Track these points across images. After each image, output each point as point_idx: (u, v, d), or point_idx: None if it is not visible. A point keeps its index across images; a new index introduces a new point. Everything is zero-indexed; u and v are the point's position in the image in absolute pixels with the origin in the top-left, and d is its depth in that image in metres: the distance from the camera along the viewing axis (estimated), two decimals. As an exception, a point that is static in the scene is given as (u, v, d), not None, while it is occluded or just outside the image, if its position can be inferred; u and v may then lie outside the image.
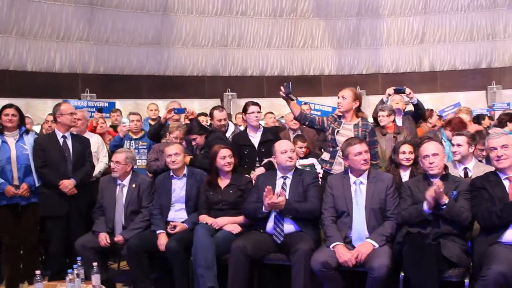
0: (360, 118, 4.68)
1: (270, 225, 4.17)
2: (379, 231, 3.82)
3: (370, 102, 16.78)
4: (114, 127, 7.78)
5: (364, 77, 17.98)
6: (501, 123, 7.17)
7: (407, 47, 18.19)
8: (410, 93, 6.10)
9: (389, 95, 6.22)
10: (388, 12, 17.94)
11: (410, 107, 6.57)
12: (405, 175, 4.62)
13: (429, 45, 18.18)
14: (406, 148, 4.65)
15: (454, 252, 3.56)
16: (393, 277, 3.63)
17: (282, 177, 4.30)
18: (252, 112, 5.19)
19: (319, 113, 9.30)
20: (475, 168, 4.48)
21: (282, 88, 4.54)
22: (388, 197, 3.94)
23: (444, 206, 3.62)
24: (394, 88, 6.25)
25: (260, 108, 5.27)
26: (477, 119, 8.31)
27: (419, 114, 6.43)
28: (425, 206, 3.65)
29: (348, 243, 3.86)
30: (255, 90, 15.96)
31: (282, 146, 4.29)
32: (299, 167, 5.19)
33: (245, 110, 5.26)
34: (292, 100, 4.62)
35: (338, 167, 4.50)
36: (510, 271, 3.20)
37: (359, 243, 3.80)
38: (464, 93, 17.23)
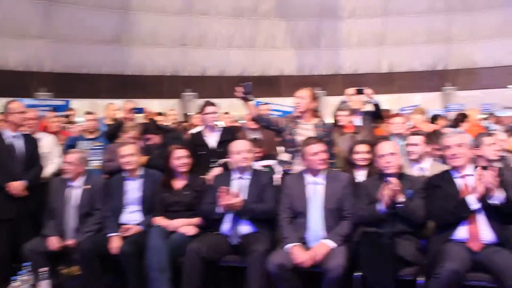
0: (318, 118, 4.69)
1: (226, 226, 4.10)
2: (335, 231, 3.81)
3: (330, 103, 16.98)
4: (69, 127, 7.58)
5: (324, 78, 18.09)
6: (456, 123, 7.34)
7: (367, 49, 18.42)
8: (370, 93, 6.15)
9: (350, 95, 6.26)
10: (348, 13, 18.13)
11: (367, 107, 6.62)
12: (361, 175, 4.63)
13: (388, 47, 18.46)
14: (362, 148, 4.66)
15: (409, 250, 3.58)
16: (349, 276, 3.61)
17: (239, 177, 4.23)
18: (209, 113, 5.11)
19: (279, 113, 9.30)
20: (432, 168, 4.52)
21: (239, 88, 4.47)
22: (345, 196, 3.93)
23: (400, 205, 3.63)
24: (356, 88, 6.28)
25: (217, 108, 5.19)
26: (433, 119, 8.45)
27: (378, 114, 6.50)
28: (380, 205, 3.66)
29: (305, 243, 3.82)
30: (215, 90, 15.84)
31: (237, 147, 4.23)
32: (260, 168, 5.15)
33: (202, 110, 5.18)
34: (250, 100, 4.57)
35: (299, 168, 4.47)
36: (462, 268, 3.24)
37: (316, 243, 3.77)
38: (420, 94, 17.58)
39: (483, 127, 8.97)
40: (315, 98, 4.68)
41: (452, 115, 12.78)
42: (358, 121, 6.28)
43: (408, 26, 18.15)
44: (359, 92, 6.22)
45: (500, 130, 8.46)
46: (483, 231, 3.46)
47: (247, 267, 3.81)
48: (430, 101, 15.81)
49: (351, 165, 4.67)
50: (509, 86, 17.56)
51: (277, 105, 9.96)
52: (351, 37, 18.32)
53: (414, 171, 4.53)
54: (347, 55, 18.42)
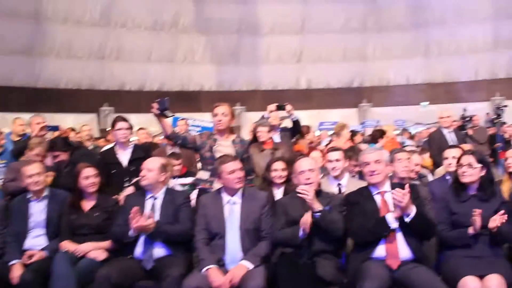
0: (235, 135, 4.58)
1: (139, 250, 3.85)
2: (253, 252, 3.68)
3: (250, 119, 17.01)
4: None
5: (244, 94, 18.15)
6: (374, 138, 7.48)
7: (286, 65, 18.68)
8: (290, 109, 6.15)
9: (271, 111, 6.23)
10: (267, 30, 18.33)
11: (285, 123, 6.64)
12: (279, 193, 4.55)
13: (306, 64, 18.82)
14: (278, 165, 4.60)
15: (329, 270, 3.52)
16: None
17: (152, 197, 4.01)
18: (120, 129, 4.85)
19: (198, 128, 9.19)
20: (349, 184, 4.52)
21: (154, 104, 4.25)
22: (262, 216, 3.81)
23: (318, 214, 3.59)
24: (277, 104, 6.31)
25: (128, 124, 4.93)
26: (352, 135, 8.57)
27: (297, 130, 6.53)
28: (301, 232, 3.61)
29: (222, 266, 3.66)
30: (133, 105, 15.43)
31: (149, 165, 4.02)
32: (179, 186, 4.95)
33: (113, 126, 4.91)
34: (167, 117, 4.36)
35: (220, 185, 4.33)
36: (381, 286, 3.21)
37: (234, 265, 3.62)
38: (338, 111, 18.00)
39: (398, 143, 9.26)
40: (233, 114, 4.57)
41: (368, 131, 13.18)
42: (276, 137, 6.26)
43: (325, 43, 18.60)
44: (280, 108, 6.26)
45: (413, 146, 8.79)
46: (401, 249, 3.45)
47: (161, 293, 3.59)
48: (347, 117, 16.16)
49: (269, 182, 4.59)
50: (422, 103, 18.40)
51: (197, 121, 9.79)
52: (270, 54, 18.53)
53: (333, 187, 4.51)
54: (267, 71, 18.60)
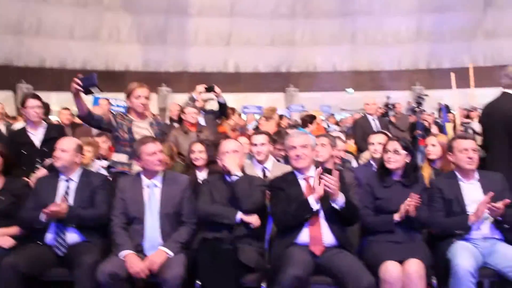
0: (151, 116, 4.41)
1: (50, 236, 3.58)
2: (173, 238, 3.52)
3: (176, 100, 16.69)
4: None
5: (170, 75, 17.83)
6: (304, 123, 7.50)
7: (214, 48, 18.47)
8: (219, 92, 6.13)
9: (200, 93, 6.12)
10: (196, 11, 18.01)
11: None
12: (202, 175, 4.43)
13: (235, 47, 18.69)
14: (197, 147, 4.51)
15: (251, 256, 3.41)
16: (189, 286, 3.36)
17: (66, 180, 3.75)
18: (31, 107, 4.51)
19: (121, 109, 8.88)
20: (274, 168, 4.45)
21: (77, 80, 3.89)
22: (184, 200, 3.66)
23: (235, 176, 3.57)
24: (205, 85, 6.19)
25: (39, 102, 4.58)
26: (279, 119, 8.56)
27: (222, 113, 6.42)
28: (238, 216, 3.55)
29: (141, 252, 3.48)
30: (54, 83, 14.72)
31: (64, 145, 3.76)
32: (103, 169, 4.72)
33: (23, 103, 4.55)
34: (92, 93, 4.05)
35: (138, 168, 4.12)
36: (305, 273, 3.15)
37: (153, 251, 3.45)
38: (265, 95, 18.07)
39: (324, 128, 9.36)
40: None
41: (294, 115, 13.28)
42: (201, 119, 6.14)
43: (253, 27, 18.54)
44: (209, 89, 6.11)
45: (338, 131, 8.90)
46: (324, 234, 3.41)
47: (75, 281, 3.35)
48: (274, 102, 16.24)
49: (192, 165, 4.47)
50: (347, 90, 18.79)
51: (119, 101, 9.45)
52: (198, 35, 18.24)
53: (258, 171, 4.42)
54: (195, 53, 18.31)
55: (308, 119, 7.71)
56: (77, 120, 8.42)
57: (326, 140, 4.48)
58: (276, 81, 18.82)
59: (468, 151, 3.64)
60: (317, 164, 3.80)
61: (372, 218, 3.61)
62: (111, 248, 3.54)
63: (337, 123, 13.53)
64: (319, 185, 3.31)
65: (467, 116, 11.09)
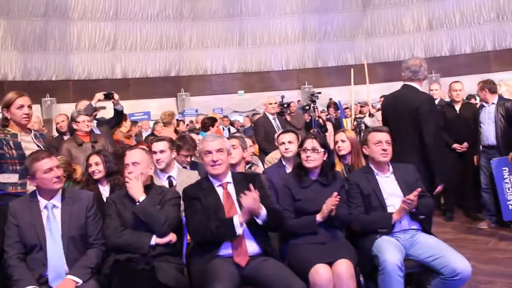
0: (32, 129, 3.98)
1: None
2: (81, 263, 3.12)
3: (61, 111, 15.74)
4: None
5: (54, 84, 16.84)
6: (205, 127, 7.25)
7: (99, 53, 17.74)
8: (117, 99, 5.97)
9: (99, 100, 5.88)
10: (78, 15, 17.17)
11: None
12: (105, 190, 4.06)
13: (121, 52, 18.08)
14: (92, 159, 4.15)
15: (170, 274, 3.10)
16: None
17: None
18: None
19: None
20: (179, 175, 4.20)
21: None
22: (89, 220, 3.26)
23: (138, 203, 3.28)
24: (104, 93, 5.98)
25: None
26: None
27: (118, 121, 6.09)
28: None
29: (44, 283, 3.05)
30: None
31: None
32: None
33: None
34: None
35: (33, 187, 3.65)
36: (232, 287, 2.93)
37: (59, 282, 3.04)
38: (156, 100, 17.67)
39: (221, 130, 9.19)
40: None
41: (187, 120, 13.03)
42: (95, 129, 5.76)
43: (139, 31, 18.05)
44: (108, 97, 5.81)
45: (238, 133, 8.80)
46: (248, 244, 3.21)
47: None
48: (165, 107, 15.87)
49: (92, 180, 4.08)
50: (238, 92, 18.87)
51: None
52: (81, 41, 17.36)
53: (164, 181, 4.13)
54: (78, 59, 17.44)
55: (209, 122, 7.45)
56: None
57: (237, 142, 4.29)
58: (166, 86, 18.45)
59: (382, 143, 3.64)
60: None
61: (294, 220, 3.47)
62: (7, 284, 3.07)
63: (232, 125, 13.49)
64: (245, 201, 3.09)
65: (360, 112, 11.52)
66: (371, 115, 9.73)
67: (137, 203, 3.29)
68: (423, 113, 4.17)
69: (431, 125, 4.16)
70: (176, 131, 8.56)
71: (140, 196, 3.30)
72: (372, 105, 11.08)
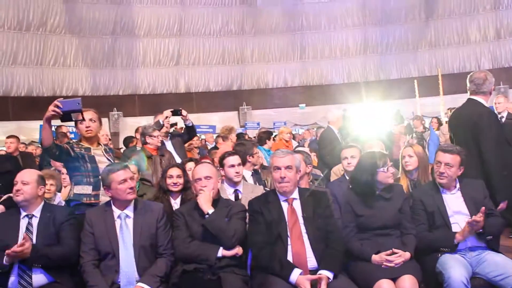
0: (102, 144, 4.18)
1: (13, 279, 3.25)
2: (151, 272, 3.27)
3: (127, 124, 16.29)
4: None
5: (120, 98, 17.41)
6: (261, 140, 7.31)
7: (163, 69, 18.21)
8: (186, 115, 6.03)
9: (167, 117, 5.99)
10: (144, 32, 17.74)
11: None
12: (176, 203, 4.19)
13: (185, 67, 18.49)
14: (174, 171, 4.23)
15: (236, 285, 3.19)
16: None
17: (27, 216, 3.43)
18: None
19: (72, 135, 8.59)
20: (245, 189, 4.26)
21: (58, 103, 3.45)
22: (159, 230, 3.42)
23: (207, 215, 3.34)
24: (172, 110, 6.08)
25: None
26: (238, 137, 8.38)
27: (190, 136, 6.27)
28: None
29: (117, 290, 3.22)
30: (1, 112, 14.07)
31: (24, 177, 3.46)
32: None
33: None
34: (70, 120, 3.63)
35: (106, 198, 3.84)
36: None
37: (129, 288, 3.20)
38: (218, 114, 17.94)
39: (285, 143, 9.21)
40: (100, 121, 4.15)
41: (249, 132, 13.17)
42: (168, 144, 5.99)
43: (203, 46, 18.42)
44: (175, 113, 5.96)
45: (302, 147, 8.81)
46: (309, 258, 3.25)
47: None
48: (227, 120, 16.16)
49: (164, 191, 4.21)
50: (300, 105, 18.90)
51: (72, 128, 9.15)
52: (147, 56, 17.93)
53: (230, 194, 4.22)
54: (144, 74, 17.99)
55: (265, 136, 7.49)
56: (24, 149, 7.99)
57: (300, 157, 4.34)
58: (229, 100, 18.71)
59: (440, 165, 3.58)
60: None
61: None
62: (83, 288, 3.26)
63: (293, 138, 13.50)
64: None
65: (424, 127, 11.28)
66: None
67: (206, 216, 3.37)
68: (482, 128, 4.09)
69: (490, 140, 4.05)
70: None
71: (209, 209, 3.38)
72: (437, 118, 10.84)
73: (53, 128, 7.87)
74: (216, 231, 3.33)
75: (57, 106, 3.45)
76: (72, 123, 3.97)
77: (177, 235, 3.44)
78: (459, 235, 3.40)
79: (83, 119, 3.75)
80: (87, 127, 3.98)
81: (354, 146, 4.58)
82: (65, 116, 3.53)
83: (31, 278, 3.25)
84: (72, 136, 8.12)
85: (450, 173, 3.58)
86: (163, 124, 5.91)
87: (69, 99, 3.56)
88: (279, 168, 3.37)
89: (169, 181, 4.20)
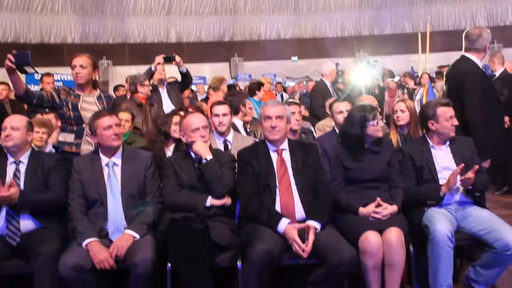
0: (98, 90, 4.09)
1: (1, 224, 3.24)
2: (139, 220, 3.27)
3: (117, 73, 16.13)
4: None
5: (110, 47, 17.17)
6: (251, 91, 7.27)
7: (154, 17, 17.90)
8: (180, 61, 5.85)
9: (159, 63, 5.87)
10: (134, -21, 17.34)
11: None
12: (169, 151, 4.20)
13: (176, 16, 18.17)
14: (177, 119, 4.21)
15: (224, 234, 3.23)
16: (160, 270, 3.14)
17: (14, 162, 3.40)
18: None
19: (60, 83, 8.56)
20: (234, 140, 4.24)
21: (10, 56, 3.47)
22: (147, 179, 3.40)
23: (205, 160, 3.34)
24: (164, 56, 5.91)
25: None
26: (229, 88, 8.30)
27: (186, 83, 6.17)
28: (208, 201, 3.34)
29: (105, 236, 3.22)
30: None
31: (13, 122, 3.40)
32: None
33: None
34: (26, 73, 3.68)
35: (87, 147, 3.83)
36: (276, 248, 3.01)
37: (118, 235, 3.21)
38: (209, 65, 17.78)
39: (275, 95, 9.18)
40: (96, 66, 4.06)
41: (241, 84, 13.08)
42: (163, 92, 5.93)
43: (195, -4, 18.10)
44: (168, 60, 5.81)
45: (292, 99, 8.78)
46: (297, 208, 3.28)
47: (33, 273, 3.06)
48: (218, 71, 16.00)
49: (165, 136, 4.25)
50: (292, 58, 18.72)
51: (60, 75, 9.11)
52: (137, 4, 17.57)
53: (219, 144, 4.20)
54: (134, 23, 17.67)
55: (255, 87, 7.46)
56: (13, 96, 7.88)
57: (297, 108, 4.32)
58: (220, 51, 18.49)
59: (453, 119, 3.56)
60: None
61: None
62: (70, 235, 3.26)
63: (284, 91, 13.45)
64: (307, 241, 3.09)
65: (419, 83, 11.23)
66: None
67: (204, 161, 3.35)
68: (466, 87, 4.06)
69: (474, 99, 4.02)
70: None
71: (207, 154, 3.37)
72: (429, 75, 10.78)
73: (38, 76, 7.82)
74: (212, 177, 3.33)
75: (10, 60, 3.45)
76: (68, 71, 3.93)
77: (166, 184, 3.44)
78: (444, 187, 3.42)
79: (36, 72, 3.74)
80: (76, 73, 3.91)
81: (348, 100, 4.57)
82: (20, 69, 3.55)
83: (18, 223, 3.25)
84: (59, 84, 8.05)
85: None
86: (155, 71, 5.83)
87: (21, 51, 3.55)
88: (269, 118, 3.35)
89: (174, 127, 4.18)
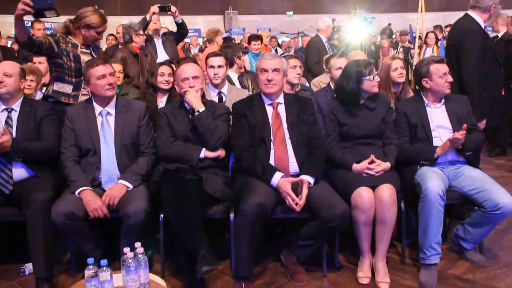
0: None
1: (-8, 172, 3.24)
2: (132, 170, 3.27)
3: (109, 23, 15.80)
4: None
5: (103, -3, 16.74)
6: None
7: (146, -32, 17.44)
8: (175, 11, 5.73)
9: (154, 13, 5.76)
10: None
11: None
12: (161, 102, 4.15)
13: (169, -34, 17.71)
14: (166, 69, 4.15)
15: (217, 186, 3.23)
16: (153, 220, 3.18)
17: (6, 109, 3.35)
18: None
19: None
20: (229, 92, 4.21)
21: (29, 1, 3.28)
22: (141, 129, 3.39)
23: (197, 113, 3.31)
24: (159, 6, 5.79)
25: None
26: (225, 41, 8.21)
27: (182, 34, 6.06)
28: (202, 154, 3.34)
29: (97, 186, 3.23)
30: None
31: (6, 68, 3.34)
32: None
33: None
34: (44, 16, 3.53)
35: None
36: (268, 201, 3.02)
37: (111, 185, 3.21)
38: (203, 17, 17.48)
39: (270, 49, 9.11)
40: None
41: (236, 38, 12.92)
42: (158, 42, 5.84)
43: None
44: (163, 10, 5.73)
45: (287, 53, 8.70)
46: (291, 162, 3.28)
47: (27, 221, 3.07)
48: (212, 24, 15.73)
49: (154, 89, 4.18)
50: (288, 13, 18.43)
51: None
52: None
53: (214, 96, 4.17)
54: (127, -30, 17.23)
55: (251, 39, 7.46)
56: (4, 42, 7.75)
57: (298, 62, 4.27)
58: (215, 2, 18.15)
59: (447, 76, 3.54)
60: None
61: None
62: (63, 184, 3.26)
63: (279, 46, 13.30)
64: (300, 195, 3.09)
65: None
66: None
67: (196, 113, 3.32)
68: (463, 46, 4.04)
69: (471, 60, 4.01)
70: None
71: (199, 106, 3.34)
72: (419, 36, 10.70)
73: (28, 24, 7.63)
74: (204, 129, 3.30)
75: (27, 4, 3.29)
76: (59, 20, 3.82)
77: (160, 134, 3.42)
78: (439, 149, 3.42)
79: (58, 15, 3.55)
80: (97, 35, 3.94)
81: (344, 56, 4.52)
82: (37, 14, 3.42)
83: (11, 171, 3.24)
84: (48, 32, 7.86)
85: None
86: (150, 21, 5.72)
87: None
88: (266, 71, 3.31)
89: (160, 78, 4.14)
